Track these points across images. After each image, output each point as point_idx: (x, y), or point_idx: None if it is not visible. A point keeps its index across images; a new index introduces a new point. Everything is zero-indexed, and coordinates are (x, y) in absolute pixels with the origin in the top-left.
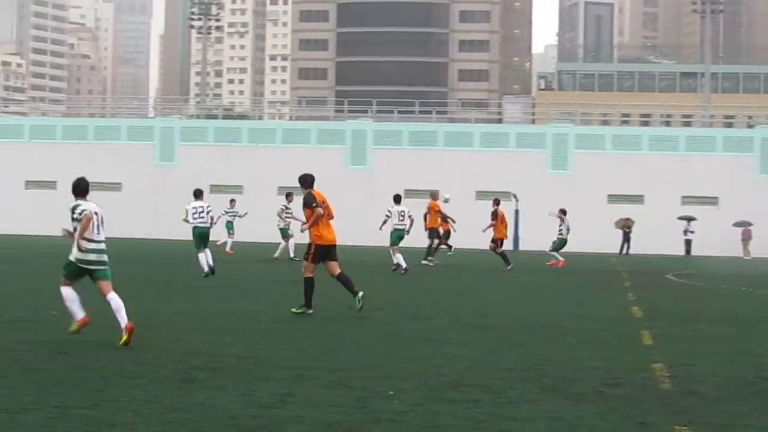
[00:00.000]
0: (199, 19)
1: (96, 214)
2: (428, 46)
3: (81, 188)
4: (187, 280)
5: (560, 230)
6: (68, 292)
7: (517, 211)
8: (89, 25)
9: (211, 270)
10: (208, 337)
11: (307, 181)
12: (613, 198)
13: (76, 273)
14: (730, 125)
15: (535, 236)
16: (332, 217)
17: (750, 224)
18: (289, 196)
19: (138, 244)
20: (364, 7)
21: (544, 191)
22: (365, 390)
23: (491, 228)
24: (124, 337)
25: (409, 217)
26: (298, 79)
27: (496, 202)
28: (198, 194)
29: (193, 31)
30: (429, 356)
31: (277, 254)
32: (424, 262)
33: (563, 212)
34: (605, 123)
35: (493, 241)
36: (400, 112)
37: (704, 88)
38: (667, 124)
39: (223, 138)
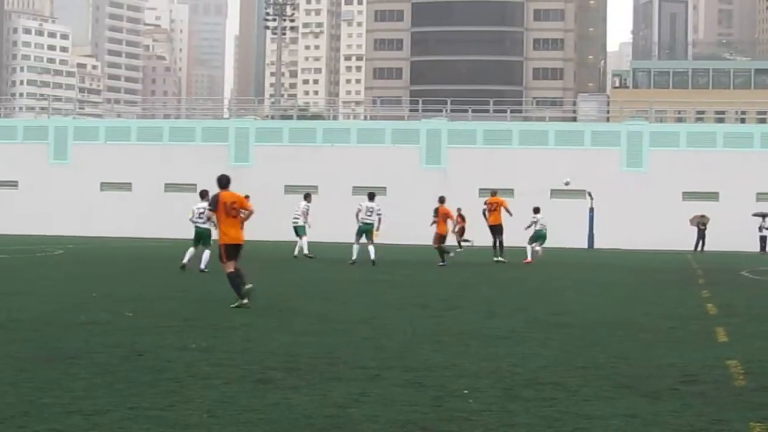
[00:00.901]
0: (274, 20)
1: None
2: (503, 44)
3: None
4: (259, 281)
5: (533, 227)
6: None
7: (591, 209)
8: (164, 27)
9: (203, 269)
10: (283, 338)
11: (221, 182)
12: (688, 195)
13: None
14: None
15: (610, 234)
16: (245, 218)
17: None
18: (307, 197)
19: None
20: (438, 6)
21: (619, 189)
22: (440, 389)
23: (435, 224)
24: None
25: (378, 214)
26: (372, 79)
27: (441, 200)
28: (204, 195)
29: (268, 31)
30: (504, 355)
31: (296, 252)
32: (496, 259)
33: (536, 210)
34: (680, 120)
35: (439, 237)
36: (474, 111)
37: None
38: (742, 120)
39: (297, 138)
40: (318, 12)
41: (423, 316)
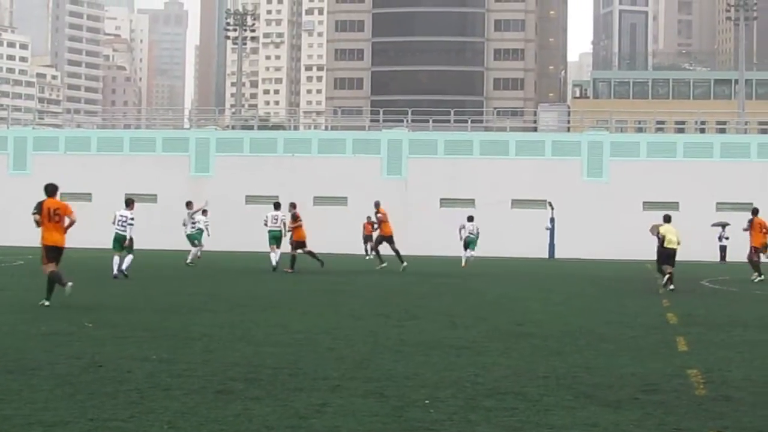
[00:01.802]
0: (235, 30)
1: None
2: (463, 54)
3: None
4: (223, 292)
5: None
6: None
7: (552, 219)
8: (124, 37)
9: (124, 272)
10: (245, 348)
11: (47, 190)
12: (649, 205)
13: None
14: (764, 131)
15: (570, 244)
16: (68, 225)
17: None
18: (189, 204)
19: (173, 255)
20: (399, 16)
21: (580, 199)
22: (401, 399)
23: (292, 231)
24: None
25: (282, 220)
26: (333, 89)
27: (292, 206)
28: (129, 203)
29: (229, 42)
30: (465, 365)
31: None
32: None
33: (469, 219)
34: (640, 130)
35: (293, 244)
36: (435, 121)
37: (739, 95)
38: (702, 131)
39: (258, 149)
40: (279, 22)
41: (384, 326)
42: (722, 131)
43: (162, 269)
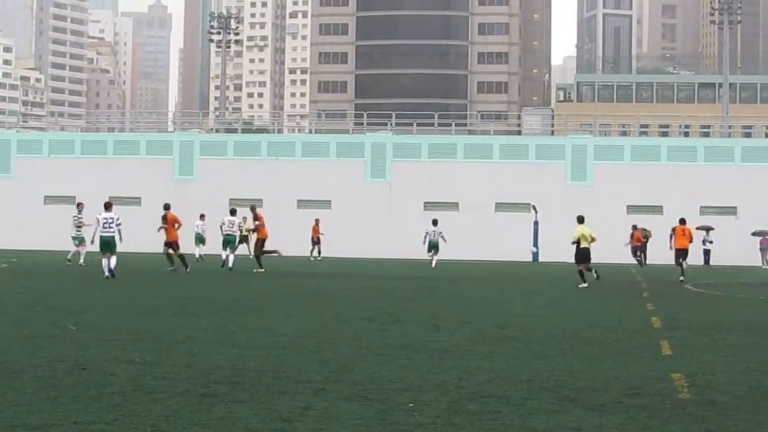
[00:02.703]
0: (218, 33)
1: None
2: (447, 58)
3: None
4: (207, 295)
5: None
6: None
7: (536, 223)
8: (108, 40)
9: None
10: (228, 351)
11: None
12: (633, 208)
13: None
14: (748, 135)
15: (555, 248)
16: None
17: None
18: (79, 206)
19: (157, 258)
20: (383, 20)
21: (564, 202)
22: (385, 402)
23: (164, 230)
24: None
25: (238, 225)
26: (317, 93)
27: (166, 207)
28: (107, 206)
29: (213, 45)
30: (449, 368)
31: (71, 258)
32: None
33: (434, 223)
34: (624, 134)
35: (166, 244)
36: (419, 124)
37: (723, 99)
38: (686, 134)
39: (242, 152)
40: (263, 25)
41: (368, 329)
42: (706, 135)
43: (145, 272)
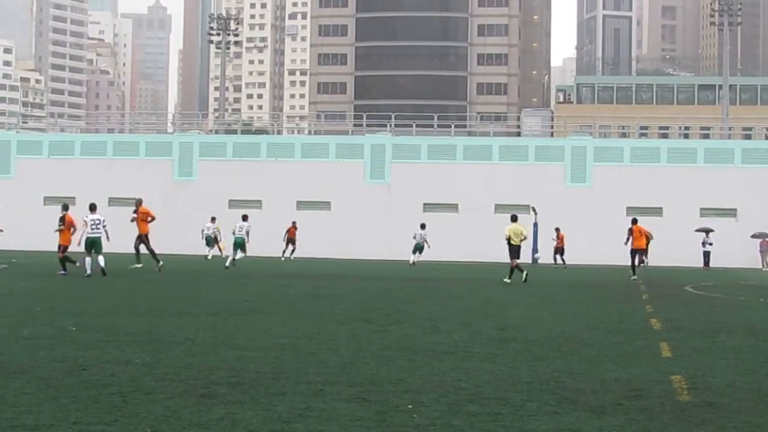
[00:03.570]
0: (218, 35)
1: None
2: (447, 59)
3: None
4: (206, 296)
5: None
6: None
7: (536, 224)
8: (108, 41)
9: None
10: (227, 352)
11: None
12: (632, 210)
13: None
14: (748, 137)
15: (553, 249)
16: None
17: None
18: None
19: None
20: (382, 21)
21: (563, 204)
22: (384, 404)
23: (59, 233)
24: None
25: (246, 230)
26: (317, 94)
27: (64, 208)
28: (93, 208)
29: (212, 46)
30: (448, 369)
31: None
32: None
33: (422, 226)
34: (624, 135)
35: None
36: (418, 126)
37: (722, 100)
38: (686, 136)
39: (241, 153)
40: (262, 27)
41: (367, 330)
42: (706, 137)
43: (144, 273)
